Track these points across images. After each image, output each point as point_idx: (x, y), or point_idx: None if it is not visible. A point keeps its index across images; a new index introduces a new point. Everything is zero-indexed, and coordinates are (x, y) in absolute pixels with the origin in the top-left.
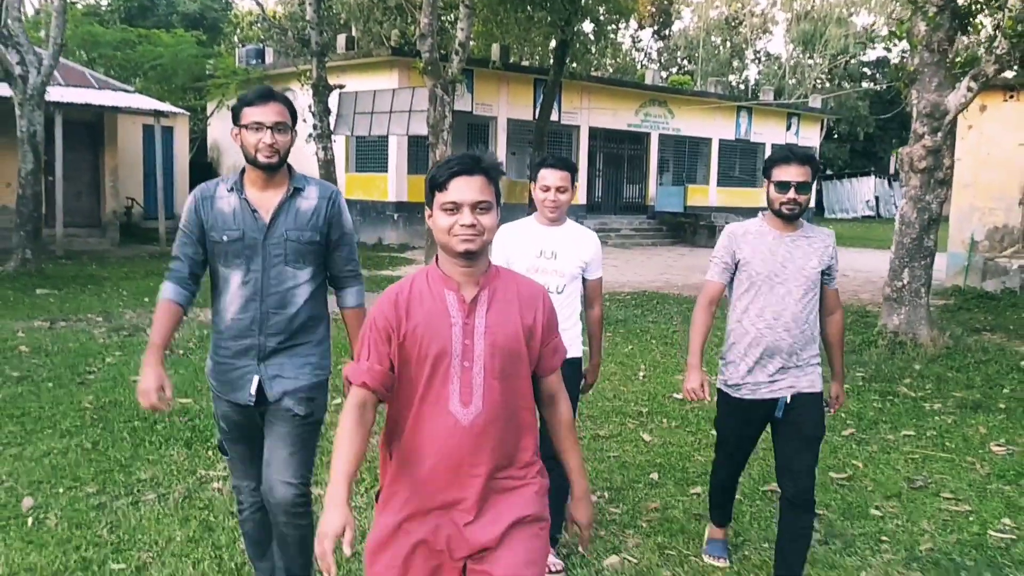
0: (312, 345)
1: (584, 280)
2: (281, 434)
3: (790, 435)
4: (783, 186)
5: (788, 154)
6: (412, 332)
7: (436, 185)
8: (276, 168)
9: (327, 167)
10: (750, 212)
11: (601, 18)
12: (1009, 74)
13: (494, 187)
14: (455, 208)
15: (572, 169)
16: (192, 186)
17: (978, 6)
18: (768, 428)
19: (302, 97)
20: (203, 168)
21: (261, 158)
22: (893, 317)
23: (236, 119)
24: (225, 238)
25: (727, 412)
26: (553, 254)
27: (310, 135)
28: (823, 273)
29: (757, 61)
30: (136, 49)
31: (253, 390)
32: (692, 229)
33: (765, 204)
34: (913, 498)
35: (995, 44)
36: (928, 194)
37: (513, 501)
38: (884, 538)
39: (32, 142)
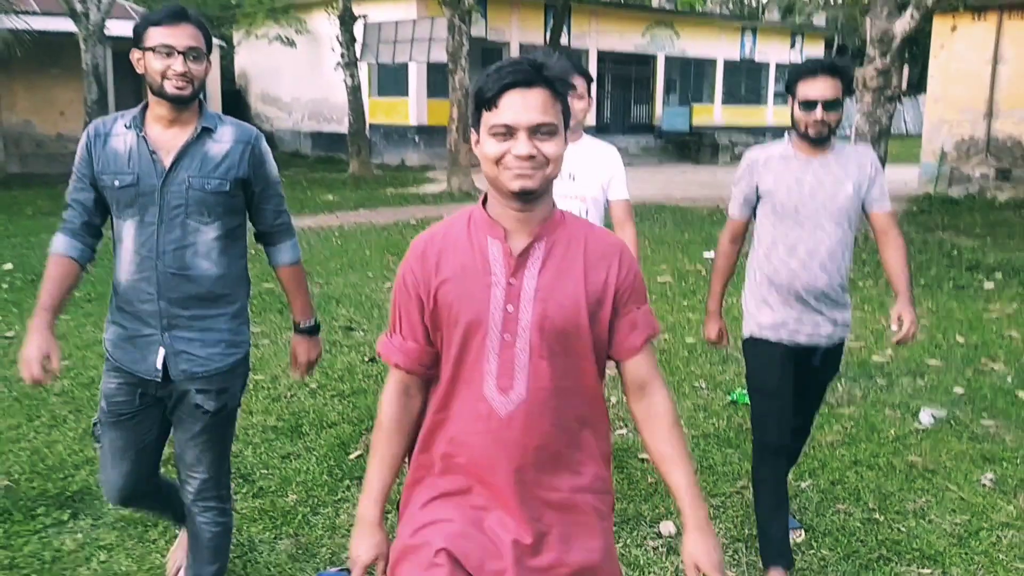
0: (228, 318)
1: (607, 203)
2: (192, 432)
3: (815, 381)
4: (809, 105)
5: (815, 65)
6: (441, 290)
7: (484, 101)
8: (187, 101)
9: (355, 93)
10: (753, 130)
11: None
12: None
13: (560, 104)
14: (508, 132)
15: (587, 75)
16: (225, 114)
17: None
18: None
19: (328, 27)
20: (232, 95)
21: (170, 88)
22: None
23: (139, 41)
24: (117, 183)
25: (764, 360)
26: (571, 176)
27: (338, 63)
28: (864, 196)
29: None
30: None
31: (159, 363)
32: (697, 148)
33: (770, 122)
34: None
35: None
36: (879, 109)
37: (572, 534)
38: None
39: (96, 74)
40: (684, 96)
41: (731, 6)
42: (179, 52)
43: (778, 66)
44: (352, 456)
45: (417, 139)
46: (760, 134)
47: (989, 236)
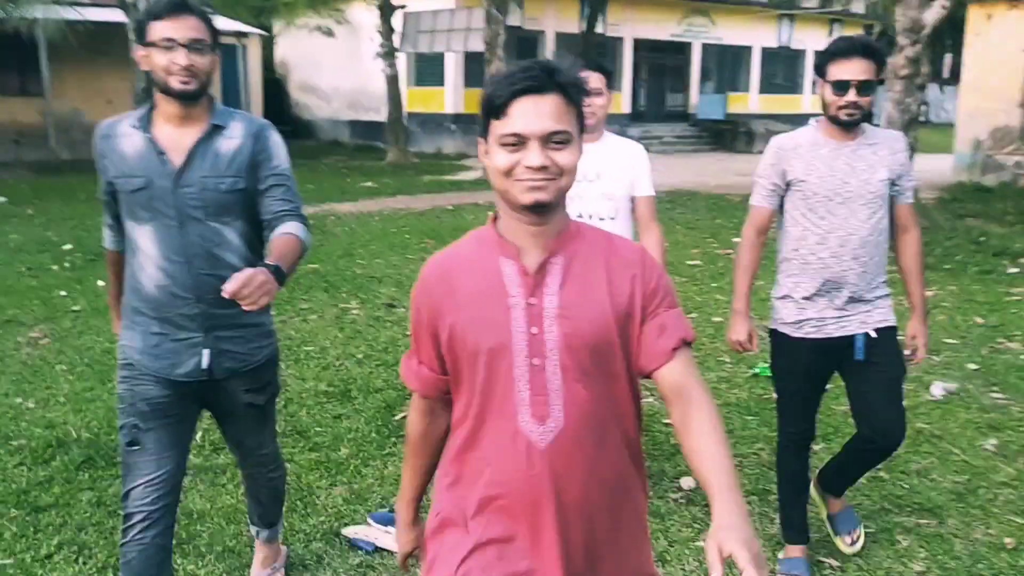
0: (263, 312)
1: (633, 200)
2: (248, 425)
3: (871, 380)
4: (841, 86)
5: (848, 45)
6: (458, 323)
7: (493, 109)
8: (194, 97)
9: (393, 82)
10: (790, 118)
11: None
12: None
13: (575, 111)
14: (519, 142)
15: (605, 71)
16: (266, 104)
17: None
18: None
19: (367, 17)
20: (273, 85)
21: (175, 83)
22: None
23: (141, 36)
24: (128, 187)
25: (788, 357)
26: (597, 175)
27: (377, 53)
28: (892, 184)
29: None
30: None
31: (205, 363)
32: (732, 136)
33: (807, 110)
34: None
35: None
36: (908, 97)
37: (619, 557)
38: None
39: None
40: (720, 84)
41: None
42: (181, 45)
43: (816, 53)
44: (397, 417)
45: (453, 127)
46: (796, 122)
47: (1019, 223)
